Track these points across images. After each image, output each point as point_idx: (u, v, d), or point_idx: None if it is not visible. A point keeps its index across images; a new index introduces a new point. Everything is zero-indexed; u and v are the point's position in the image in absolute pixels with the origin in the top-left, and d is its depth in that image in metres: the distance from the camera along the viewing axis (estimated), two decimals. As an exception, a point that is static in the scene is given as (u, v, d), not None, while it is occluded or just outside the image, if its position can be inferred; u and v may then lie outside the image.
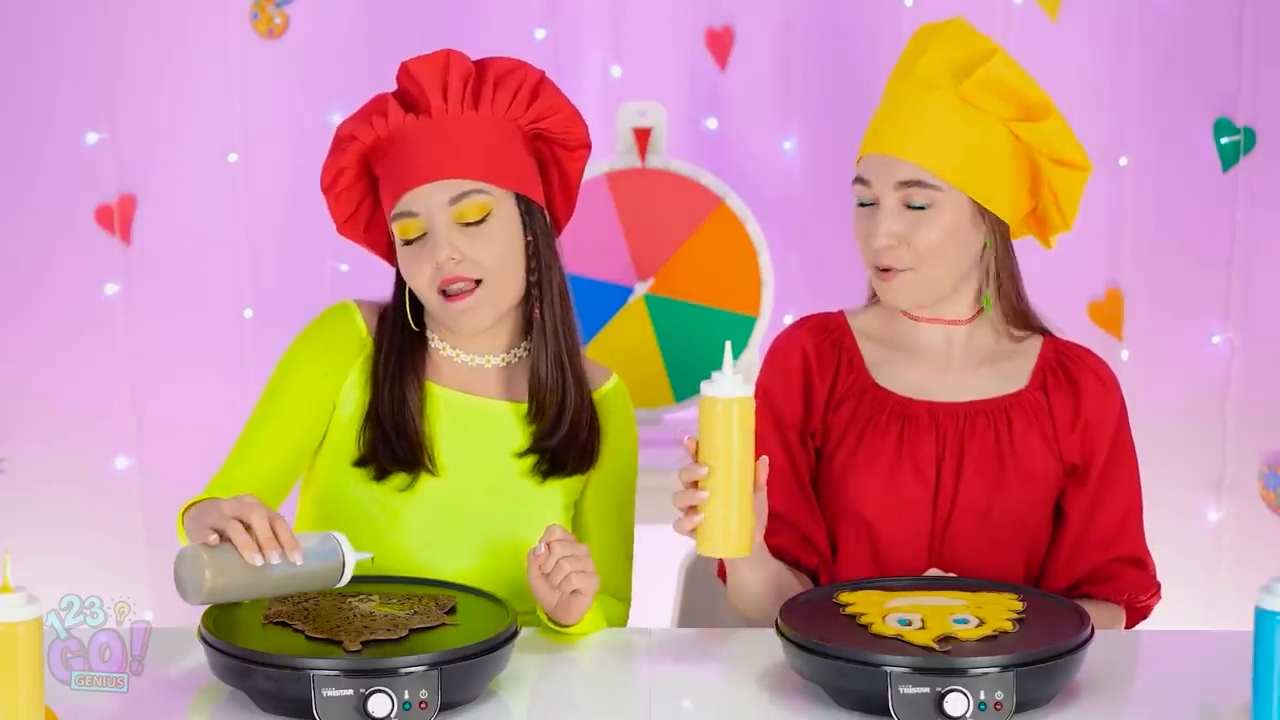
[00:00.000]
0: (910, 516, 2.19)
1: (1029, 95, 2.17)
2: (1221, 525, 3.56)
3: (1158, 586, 2.26)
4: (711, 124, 3.64)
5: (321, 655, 1.82)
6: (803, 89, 3.61)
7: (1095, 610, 2.20)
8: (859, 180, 2.20)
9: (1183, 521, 3.52)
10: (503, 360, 2.22)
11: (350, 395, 2.19)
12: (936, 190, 2.15)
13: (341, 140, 2.18)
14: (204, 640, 1.88)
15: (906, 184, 2.16)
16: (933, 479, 2.19)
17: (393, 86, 2.21)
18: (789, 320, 3.52)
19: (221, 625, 1.91)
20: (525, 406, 2.20)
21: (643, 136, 3.45)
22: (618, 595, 2.26)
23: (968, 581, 2.09)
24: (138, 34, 3.51)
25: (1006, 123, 2.17)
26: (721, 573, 2.24)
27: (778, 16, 3.61)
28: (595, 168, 3.48)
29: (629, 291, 3.47)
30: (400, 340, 2.20)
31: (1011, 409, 2.21)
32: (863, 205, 2.20)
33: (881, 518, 2.19)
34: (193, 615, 1.96)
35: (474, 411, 2.20)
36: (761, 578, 2.15)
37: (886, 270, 2.18)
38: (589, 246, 3.47)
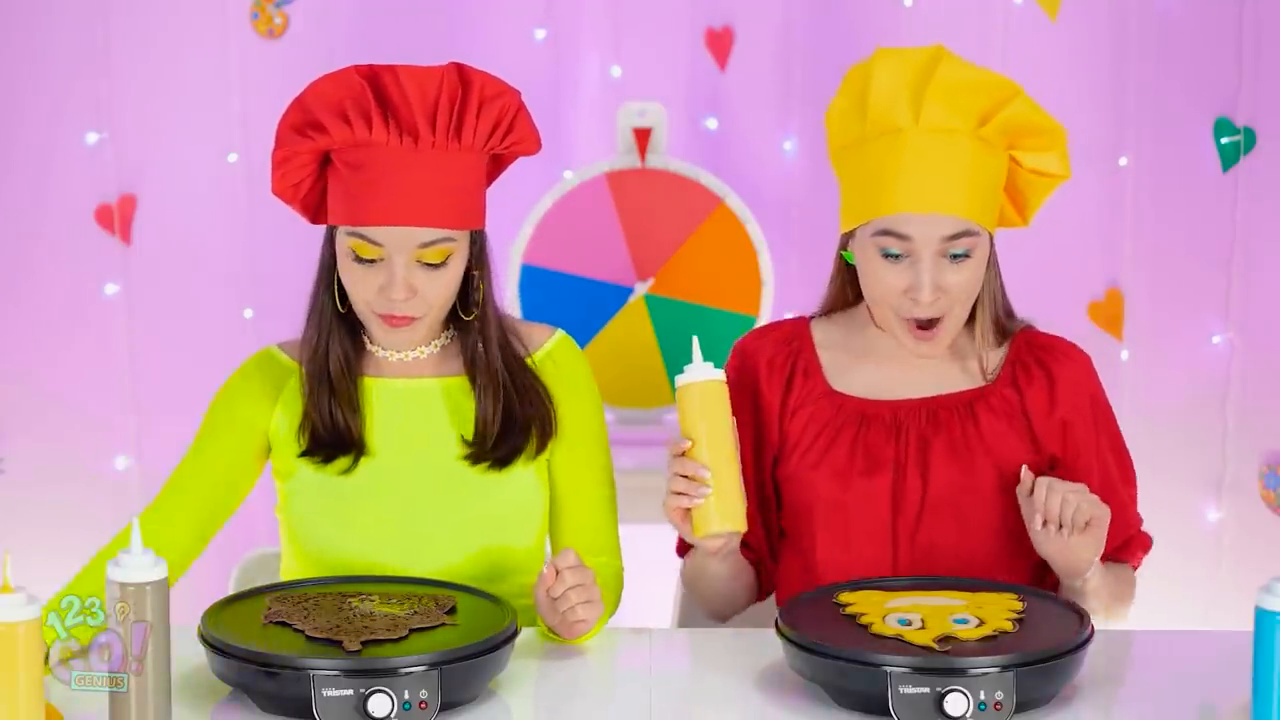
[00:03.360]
0: (868, 511, 2.19)
1: (1042, 127, 2.15)
2: (1221, 525, 3.55)
3: (1149, 540, 2.28)
4: (711, 124, 3.64)
5: (321, 655, 1.82)
6: (803, 89, 3.61)
7: (1112, 572, 2.20)
8: (892, 234, 2.13)
9: (1183, 521, 3.51)
10: (435, 347, 2.24)
11: (283, 416, 2.21)
12: (978, 236, 2.14)
13: (308, 121, 2.14)
14: (204, 640, 1.88)
15: (955, 237, 2.12)
16: (891, 472, 2.18)
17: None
18: (789, 320, 3.52)
19: (221, 625, 1.91)
20: (459, 381, 2.23)
21: (643, 136, 3.44)
22: (607, 552, 2.26)
23: (968, 581, 2.09)
24: (138, 34, 3.51)
25: (1010, 150, 2.17)
26: (681, 551, 2.27)
27: (778, 16, 3.61)
28: (595, 168, 3.48)
29: (629, 291, 3.46)
30: (325, 328, 2.22)
31: (976, 402, 2.21)
32: (888, 256, 2.14)
33: (834, 513, 2.19)
34: (193, 615, 1.96)
35: (408, 392, 2.22)
36: (730, 565, 2.19)
37: (927, 325, 2.16)
38: (589, 246, 3.47)
